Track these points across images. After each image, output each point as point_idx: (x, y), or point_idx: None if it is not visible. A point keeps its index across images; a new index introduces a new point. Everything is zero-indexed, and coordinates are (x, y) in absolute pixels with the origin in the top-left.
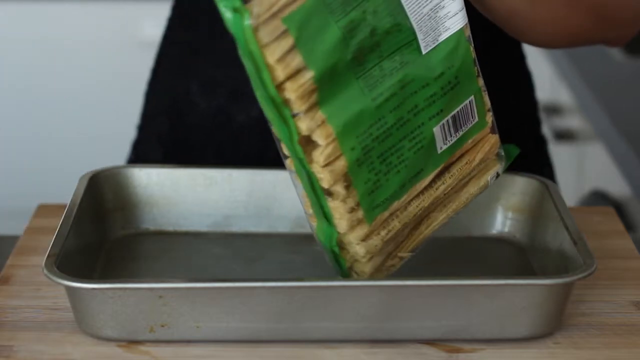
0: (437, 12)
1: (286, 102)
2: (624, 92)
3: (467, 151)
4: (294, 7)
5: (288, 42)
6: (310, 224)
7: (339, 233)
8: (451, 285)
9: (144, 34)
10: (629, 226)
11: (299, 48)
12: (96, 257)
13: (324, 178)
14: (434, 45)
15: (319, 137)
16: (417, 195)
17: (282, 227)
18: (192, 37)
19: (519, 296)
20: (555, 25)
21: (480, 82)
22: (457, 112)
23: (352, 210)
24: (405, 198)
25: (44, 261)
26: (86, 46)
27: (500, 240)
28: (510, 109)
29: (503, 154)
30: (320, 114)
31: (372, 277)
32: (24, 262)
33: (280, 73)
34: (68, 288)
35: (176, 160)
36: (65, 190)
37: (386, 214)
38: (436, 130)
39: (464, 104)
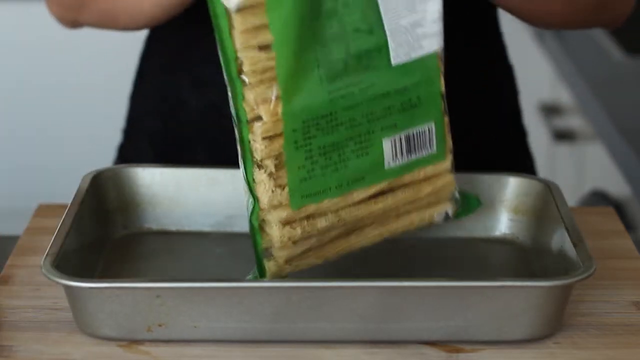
0: (415, 28)
1: (240, 70)
2: (624, 92)
3: (418, 181)
4: None
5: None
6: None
7: (261, 210)
8: (450, 287)
9: (144, 33)
10: (629, 226)
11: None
12: (98, 257)
13: (259, 149)
14: (405, 60)
15: (263, 113)
16: (355, 204)
17: None
18: (179, 34)
19: (518, 298)
20: (555, 6)
21: (446, 118)
22: (413, 133)
23: (277, 188)
24: (339, 200)
25: (43, 260)
26: (86, 46)
27: (502, 242)
28: (491, 102)
29: (458, 197)
30: (271, 91)
31: (282, 268)
32: (24, 262)
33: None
34: (66, 287)
35: (168, 160)
36: (65, 190)
37: (314, 207)
38: (386, 143)
39: (421, 127)
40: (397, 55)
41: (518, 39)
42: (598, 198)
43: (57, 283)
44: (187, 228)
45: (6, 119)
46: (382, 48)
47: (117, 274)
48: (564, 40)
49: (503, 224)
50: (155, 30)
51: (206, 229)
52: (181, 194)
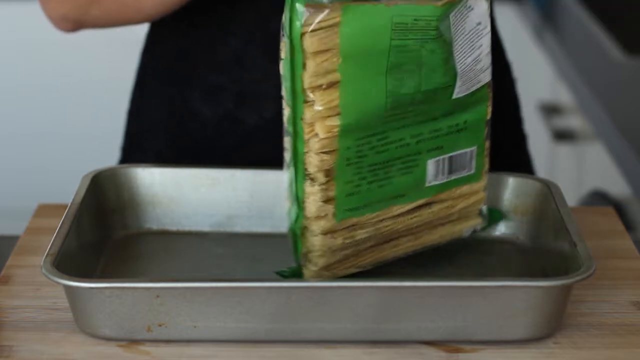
0: (476, 64)
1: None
2: (624, 92)
3: (453, 198)
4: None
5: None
6: (286, 207)
7: (305, 218)
8: (450, 287)
9: (144, 33)
10: (629, 226)
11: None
12: (98, 257)
13: (312, 162)
14: (465, 94)
15: (319, 130)
16: (393, 217)
17: (285, 228)
18: (180, 43)
19: (518, 298)
20: None
21: (487, 144)
22: (456, 155)
23: (325, 200)
24: (379, 214)
25: (43, 260)
26: (86, 46)
27: (502, 242)
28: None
29: (486, 212)
30: (332, 111)
31: (319, 274)
32: (24, 262)
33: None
34: (66, 287)
35: None
36: (65, 190)
37: (355, 219)
38: (430, 163)
39: (464, 150)
40: (460, 91)
41: (518, 38)
42: (598, 198)
43: (57, 283)
44: (187, 228)
45: (6, 119)
46: (450, 86)
47: (117, 274)
48: (564, 40)
49: (503, 223)
50: (152, 43)
51: (206, 229)
52: (181, 194)
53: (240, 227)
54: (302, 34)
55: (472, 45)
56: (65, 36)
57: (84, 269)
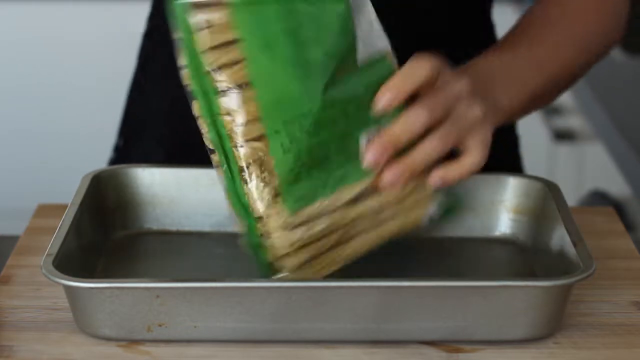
0: (371, 28)
1: (212, 77)
2: (624, 92)
3: None
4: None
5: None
6: (237, 224)
7: (257, 221)
8: (450, 287)
9: (141, 32)
10: (629, 226)
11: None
12: (98, 257)
13: (243, 153)
14: (367, 58)
15: (240, 112)
16: (345, 205)
17: None
18: None
19: (518, 298)
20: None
21: None
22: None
23: (269, 194)
24: (331, 201)
25: (43, 260)
26: (85, 46)
27: (502, 242)
28: None
29: (444, 198)
30: (246, 92)
31: (293, 275)
32: (24, 262)
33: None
34: (66, 287)
35: (179, 161)
36: (65, 190)
37: (309, 210)
38: (362, 140)
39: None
40: (362, 57)
41: None
42: (598, 198)
43: (57, 283)
44: (187, 228)
45: (6, 119)
46: (352, 50)
47: (117, 274)
48: None
49: (503, 224)
50: (155, 32)
51: (206, 229)
52: (181, 194)
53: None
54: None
55: (362, 9)
56: (65, 36)
57: (84, 269)
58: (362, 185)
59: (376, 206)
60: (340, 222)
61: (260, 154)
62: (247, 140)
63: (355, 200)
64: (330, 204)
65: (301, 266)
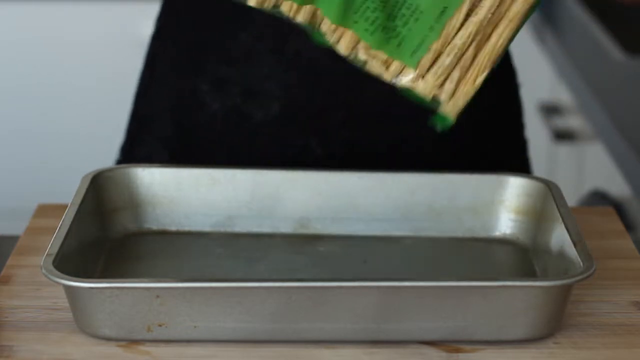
0: None
1: None
2: (624, 92)
3: None
4: None
5: None
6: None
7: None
8: (450, 287)
9: (144, 33)
10: (629, 226)
11: None
12: (98, 257)
13: (341, 44)
14: None
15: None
16: (458, 29)
17: (285, 228)
18: (195, 35)
19: (518, 298)
20: None
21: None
22: None
23: (386, 64)
24: (444, 38)
25: (43, 260)
26: (86, 46)
27: (503, 242)
28: (492, 109)
29: None
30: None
31: (452, 102)
32: (24, 262)
33: None
34: (66, 287)
35: (182, 162)
36: (65, 190)
37: (429, 55)
38: None
39: None
40: None
41: (518, 38)
42: (598, 198)
43: (57, 283)
44: (187, 228)
45: (6, 119)
46: None
47: (117, 274)
48: (564, 40)
49: (503, 224)
50: (161, 31)
51: (206, 229)
52: (181, 194)
53: (240, 227)
54: None
55: None
56: (65, 36)
57: (84, 269)
58: (464, 7)
59: (488, 6)
60: (465, 40)
61: (353, 41)
62: (337, 41)
63: (465, 19)
64: (443, 40)
65: (457, 84)
